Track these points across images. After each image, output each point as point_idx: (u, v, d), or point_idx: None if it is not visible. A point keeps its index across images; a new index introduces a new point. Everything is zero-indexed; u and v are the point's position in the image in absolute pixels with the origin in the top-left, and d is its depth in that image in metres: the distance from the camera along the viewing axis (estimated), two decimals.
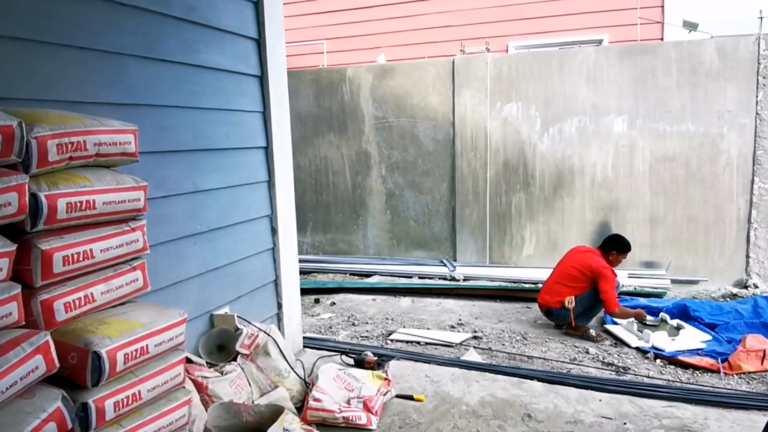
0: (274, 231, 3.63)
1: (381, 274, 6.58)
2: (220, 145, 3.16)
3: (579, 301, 4.18)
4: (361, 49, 8.84)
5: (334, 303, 5.41)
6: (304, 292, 5.83)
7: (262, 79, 3.50)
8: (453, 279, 6.19)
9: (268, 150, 3.55)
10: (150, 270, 2.15)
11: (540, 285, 5.83)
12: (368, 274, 6.63)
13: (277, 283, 3.67)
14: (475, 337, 4.31)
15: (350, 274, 6.72)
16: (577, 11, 7.49)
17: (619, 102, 5.99)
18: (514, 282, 6.12)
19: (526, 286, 5.88)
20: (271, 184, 3.58)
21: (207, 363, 2.98)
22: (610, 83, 5.99)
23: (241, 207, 3.32)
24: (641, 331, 4.24)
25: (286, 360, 3.19)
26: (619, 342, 4.21)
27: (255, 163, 3.46)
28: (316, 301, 5.50)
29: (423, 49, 8.24)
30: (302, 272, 6.83)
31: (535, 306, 5.15)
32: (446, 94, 6.60)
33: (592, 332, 4.27)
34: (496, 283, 6.00)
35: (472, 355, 3.83)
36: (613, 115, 6.02)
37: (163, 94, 2.76)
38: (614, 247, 4.33)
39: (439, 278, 6.34)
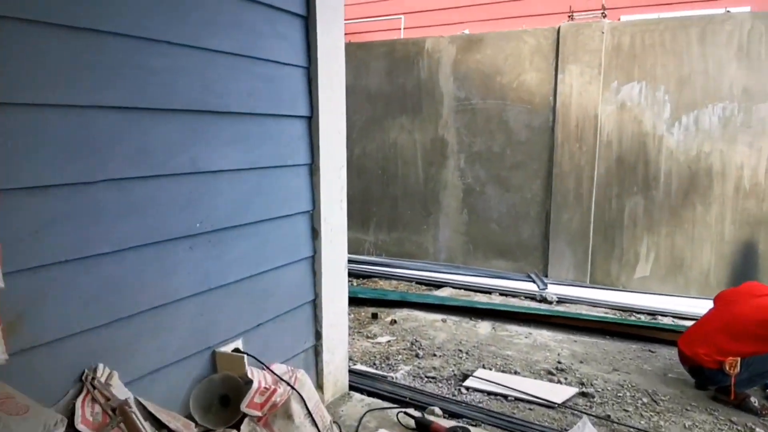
0: (315, 233, 2.61)
1: (453, 286, 5.46)
2: (239, 107, 2.16)
3: (748, 365, 2.89)
4: (443, 24, 7.71)
5: (395, 321, 4.36)
6: (361, 302, 4.82)
7: (308, 21, 2.47)
8: (544, 300, 4.99)
9: (312, 121, 2.53)
10: (112, 289, 1.55)
11: (664, 319, 4.56)
12: (438, 285, 5.53)
13: (316, 304, 2.65)
14: (583, 394, 3.13)
15: (417, 283, 5.65)
16: None
17: None
18: (624, 310, 4.84)
19: (646, 320, 4.58)
20: (314, 168, 2.56)
21: (199, 427, 2.00)
22: None
23: (266, 198, 2.32)
24: None
25: (316, 427, 2.16)
26: None
27: (292, 137, 2.44)
28: (374, 316, 4.47)
29: (517, 24, 7.01)
30: (361, 276, 5.85)
31: (660, 350, 3.88)
32: (547, 71, 5.37)
33: (754, 401, 2.97)
34: (606, 314, 4.75)
35: (586, 427, 2.66)
36: None
37: (150, 18, 1.79)
38: None
39: (525, 297, 5.15)
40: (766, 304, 2.92)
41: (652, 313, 4.76)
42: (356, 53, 6.25)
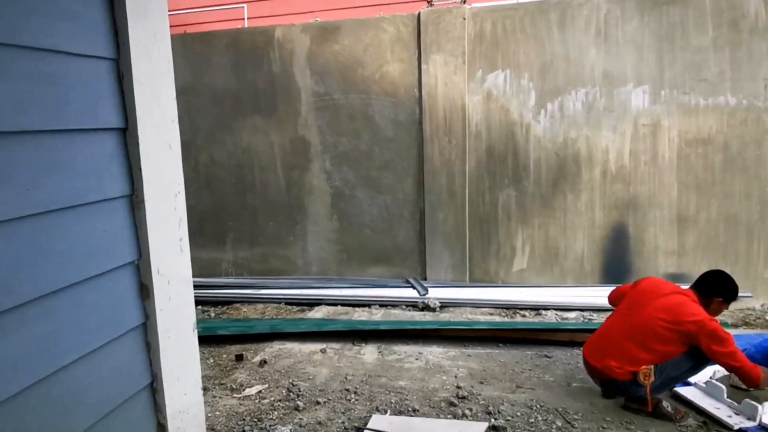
0: (145, 291, 1.89)
1: (329, 302, 4.91)
2: (5, 124, 1.40)
3: (661, 371, 2.69)
4: (293, 13, 7.05)
5: (266, 361, 3.69)
6: (221, 341, 4.09)
7: None
8: (426, 307, 4.62)
9: (128, 134, 1.80)
10: None
11: (548, 314, 4.39)
12: (312, 303, 4.95)
13: (154, 388, 1.93)
14: (494, 428, 2.75)
15: (287, 304, 5.01)
16: None
17: (638, 68, 4.58)
18: (508, 308, 4.64)
19: (532, 319, 4.40)
20: (136, 200, 1.84)
21: None
22: (627, 43, 4.57)
23: (54, 258, 1.56)
24: (733, 399, 2.84)
25: None
26: (708, 420, 2.77)
27: (95, 160, 1.70)
28: (239, 358, 3.77)
29: (375, 13, 6.58)
30: (220, 303, 5.08)
31: (555, 353, 3.67)
32: (410, 61, 4.98)
33: (666, 405, 2.80)
34: (492, 317, 4.49)
35: None
36: (631, 86, 4.61)
37: None
38: (721, 291, 2.83)
39: (407, 306, 4.76)
40: (671, 304, 2.74)
41: (536, 308, 4.61)
42: (194, 46, 5.39)
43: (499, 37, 4.75)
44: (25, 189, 1.47)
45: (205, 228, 5.66)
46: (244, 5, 7.94)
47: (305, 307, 4.93)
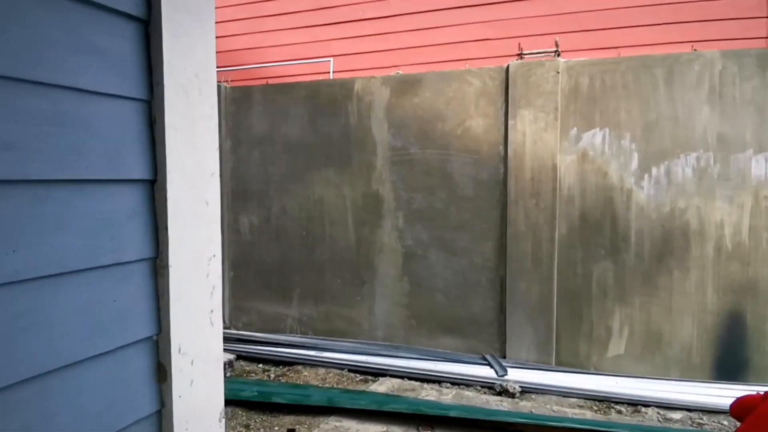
0: (162, 373, 1.57)
1: (395, 374, 4.46)
2: (6, 171, 1.16)
3: None
4: (376, 67, 6.98)
5: None
6: (275, 409, 3.74)
7: (150, 27, 1.51)
8: (504, 391, 4.06)
9: (156, 187, 1.54)
10: None
11: (648, 411, 3.68)
12: (376, 373, 4.52)
13: None
14: None
15: (350, 371, 4.61)
16: (665, 20, 5.54)
17: (759, 132, 3.97)
18: (601, 400, 3.99)
19: (629, 416, 3.74)
20: (159, 264, 1.55)
21: None
22: (746, 104, 3.99)
23: (60, 328, 1.28)
24: None
25: None
26: None
27: (115, 216, 1.43)
28: None
29: (460, 66, 6.35)
30: (281, 362, 4.77)
31: None
32: (495, 117, 4.62)
33: None
34: (582, 411, 3.87)
35: None
36: (751, 152, 3.99)
37: None
38: None
39: (482, 386, 4.22)
40: None
41: (634, 403, 3.94)
42: (273, 97, 5.33)
43: (597, 92, 4.30)
44: (15, 249, 1.20)
45: (271, 281, 5.44)
46: (330, 59, 7.99)
47: (369, 377, 4.52)
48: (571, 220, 4.41)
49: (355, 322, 5.13)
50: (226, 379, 4.51)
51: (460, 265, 4.75)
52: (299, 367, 4.72)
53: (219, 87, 5.56)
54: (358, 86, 5.04)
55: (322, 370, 4.64)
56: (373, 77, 5.02)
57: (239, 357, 4.99)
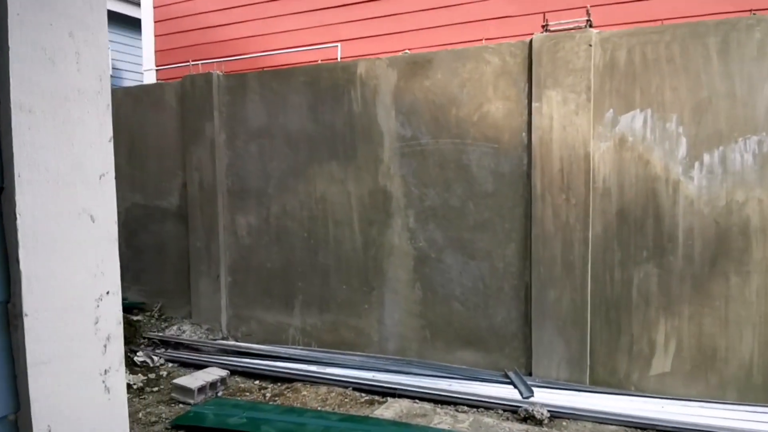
0: None
1: (405, 393, 3.93)
2: None
3: None
4: (386, 51, 6.43)
5: None
6: None
7: None
8: (530, 417, 3.50)
9: (3, 198, 1.03)
10: None
11: None
12: (384, 392, 4.00)
13: None
14: None
15: (355, 389, 4.11)
16: None
17: None
18: (643, 427, 3.40)
19: None
20: (12, 313, 1.04)
21: None
22: None
23: None
24: None
25: None
26: None
27: None
28: None
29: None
30: (280, 379, 4.29)
31: None
32: (517, 100, 4.03)
33: None
34: None
35: None
36: None
37: None
38: None
39: (505, 410, 3.66)
40: None
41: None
42: (271, 84, 4.83)
43: (638, 68, 3.68)
44: None
45: (272, 287, 4.96)
46: (338, 44, 7.46)
47: (376, 397, 4.00)
48: (608, 217, 3.81)
49: (363, 332, 4.62)
50: (216, 400, 4.04)
51: (480, 270, 4.19)
52: (299, 385, 4.23)
53: (211, 75, 5.09)
54: (361, 69, 4.50)
55: (323, 389, 4.13)
56: (379, 59, 4.47)
57: (235, 372, 4.53)
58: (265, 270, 4.96)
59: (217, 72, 5.14)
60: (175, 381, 4.18)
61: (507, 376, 3.98)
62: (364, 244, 4.56)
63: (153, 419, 3.83)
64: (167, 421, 3.77)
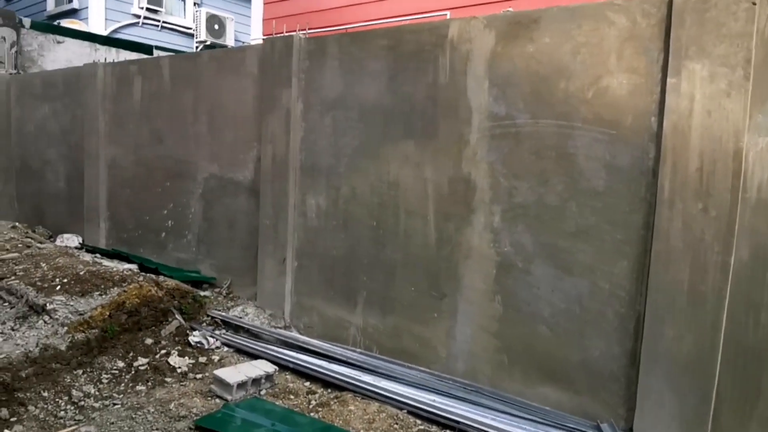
0: None
1: (469, 430, 3.22)
2: None
3: None
4: None
5: None
6: None
7: None
8: None
9: None
10: None
11: None
12: (444, 426, 3.33)
13: None
14: None
15: (408, 413, 3.47)
16: None
17: None
18: None
19: None
20: None
21: None
22: None
23: None
24: None
25: None
26: None
27: None
28: None
29: None
30: (330, 385, 3.78)
31: None
32: (647, 73, 3.07)
33: None
34: None
35: None
36: None
37: None
38: None
39: None
40: None
41: None
42: (350, 49, 4.23)
43: None
44: None
45: (335, 278, 4.43)
46: (447, 12, 6.70)
47: (433, 428, 3.34)
48: (760, 239, 2.77)
49: (428, 344, 3.94)
50: (254, 400, 3.60)
51: (577, 289, 3.32)
52: (348, 396, 3.66)
53: (292, 38, 4.59)
54: (453, 31, 3.74)
55: (374, 407, 3.53)
56: (475, 17, 3.68)
57: (286, 368, 4.08)
58: (329, 258, 4.44)
59: (300, 34, 4.63)
60: (216, 372, 3.81)
61: (599, 429, 3.11)
62: (437, 241, 3.85)
63: (183, 413, 3.47)
64: (195, 417, 3.40)
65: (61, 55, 8.82)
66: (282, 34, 4.79)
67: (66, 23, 11.08)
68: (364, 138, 4.16)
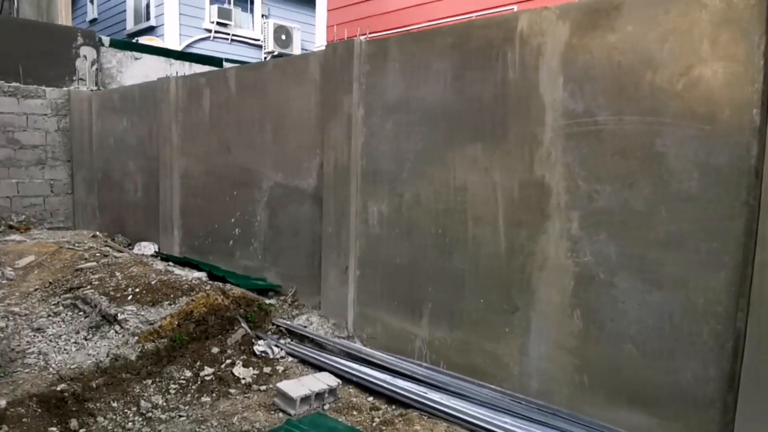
0: None
1: None
2: None
3: None
4: None
5: None
6: None
7: None
8: None
9: None
10: None
11: None
12: None
13: None
14: None
15: None
16: None
17: None
18: None
19: None
20: None
21: None
22: None
23: None
24: None
25: None
26: None
27: None
28: None
29: None
30: (395, 401, 3.61)
31: None
32: (746, 61, 2.70)
33: None
34: None
35: None
36: None
37: None
38: None
39: None
40: None
41: None
42: (412, 49, 4.06)
43: None
44: None
45: (399, 288, 4.25)
46: (515, 7, 6.41)
47: None
48: None
49: (500, 361, 3.67)
50: (317, 415, 3.48)
51: (667, 304, 2.97)
52: (414, 415, 3.47)
53: (353, 42, 4.47)
54: (523, 23, 3.48)
55: (441, 427, 3.32)
56: (546, 8, 3.40)
57: (350, 382, 3.94)
58: (392, 266, 4.27)
59: (361, 38, 4.51)
60: (279, 385, 3.72)
61: None
62: (509, 250, 3.59)
63: (245, 427, 3.40)
64: None
65: (138, 71, 9.19)
66: (344, 40, 4.68)
67: (144, 40, 11.62)
68: (428, 142, 3.97)
